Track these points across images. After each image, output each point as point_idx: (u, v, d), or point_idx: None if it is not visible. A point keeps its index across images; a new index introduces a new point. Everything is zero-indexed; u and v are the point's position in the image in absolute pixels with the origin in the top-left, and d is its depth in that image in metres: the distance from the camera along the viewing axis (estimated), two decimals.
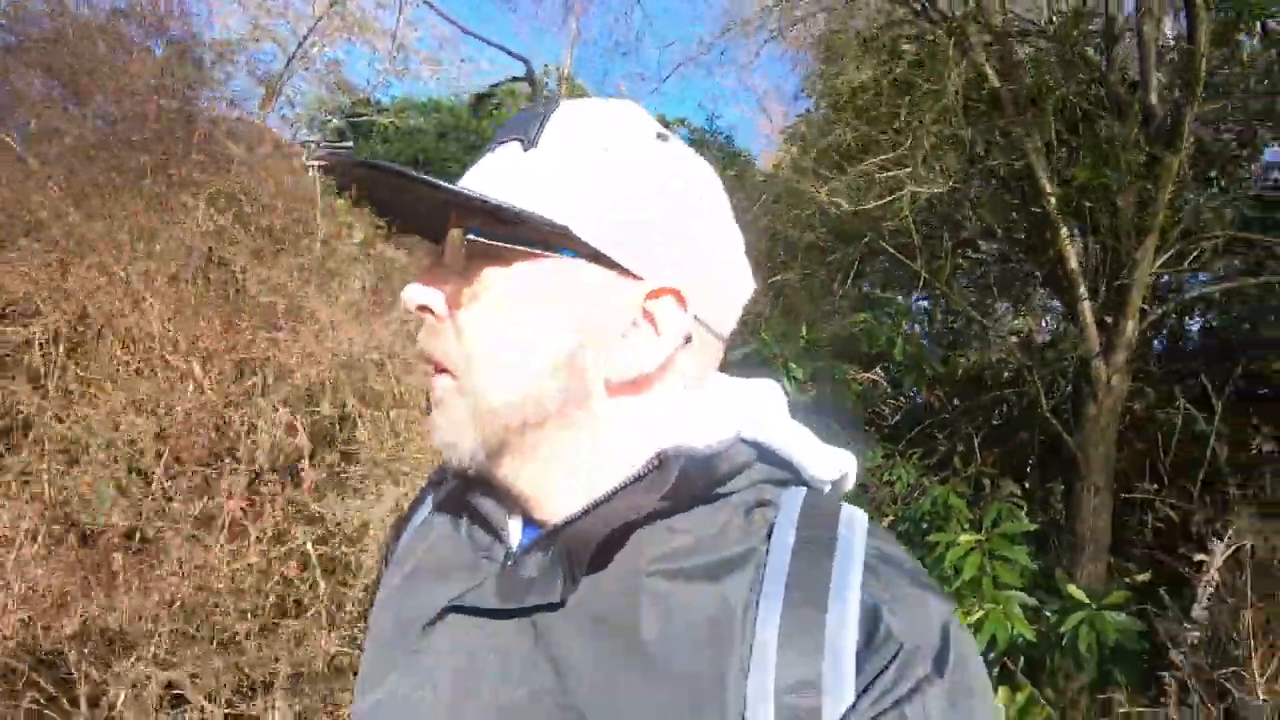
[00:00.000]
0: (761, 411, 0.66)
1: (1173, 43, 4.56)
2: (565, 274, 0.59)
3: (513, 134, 0.62)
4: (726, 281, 0.65)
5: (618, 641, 0.56)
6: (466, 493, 0.67)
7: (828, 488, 0.65)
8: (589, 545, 0.57)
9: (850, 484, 0.68)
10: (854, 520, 0.60)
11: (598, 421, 0.61)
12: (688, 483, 0.58)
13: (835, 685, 0.52)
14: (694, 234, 0.63)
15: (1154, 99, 4.21)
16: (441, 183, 0.57)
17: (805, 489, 0.63)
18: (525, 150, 0.61)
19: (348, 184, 0.62)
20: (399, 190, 0.60)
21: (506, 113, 9.66)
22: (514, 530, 0.64)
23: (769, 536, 0.58)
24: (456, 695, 0.60)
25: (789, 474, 0.64)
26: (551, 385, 0.60)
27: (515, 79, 11.63)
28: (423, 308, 0.62)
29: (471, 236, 0.58)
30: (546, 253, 0.59)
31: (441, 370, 0.62)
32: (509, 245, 0.59)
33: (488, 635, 0.60)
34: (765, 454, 0.63)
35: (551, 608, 0.58)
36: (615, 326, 0.60)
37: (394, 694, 0.63)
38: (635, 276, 0.60)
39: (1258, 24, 4.33)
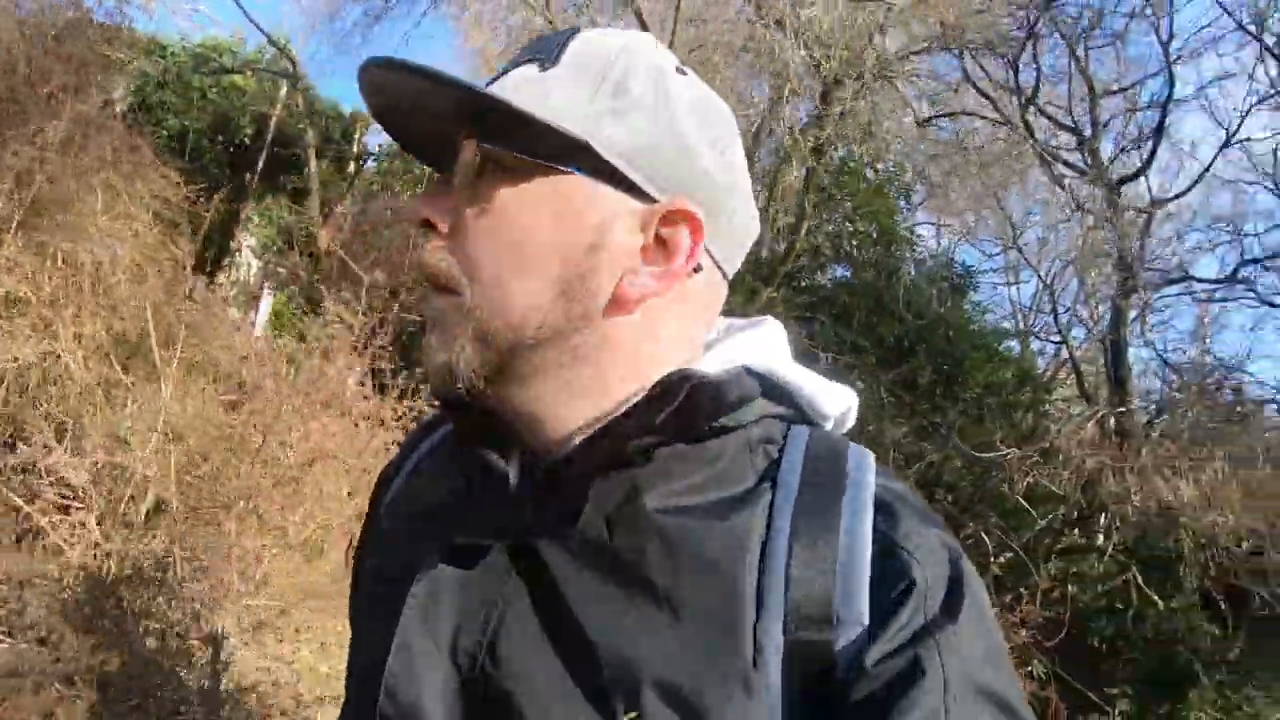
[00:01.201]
0: (766, 347, 0.65)
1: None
2: (579, 191, 0.58)
3: (530, 55, 0.61)
4: (738, 219, 0.64)
5: (624, 579, 0.55)
6: (462, 430, 0.65)
7: (830, 423, 0.65)
8: (593, 474, 0.56)
9: (851, 420, 0.68)
10: (862, 459, 0.59)
11: (603, 344, 0.59)
12: (694, 409, 0.56)
13: (848, 621, 0.52)
14: (710, 166, 0.62)
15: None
16: (467, 81, 0.56)
17: (810, 427, 0.62)
18: (543, 70, 0.59)
19: (364, 87, 0.59)
20: (415, 97, 0.58)
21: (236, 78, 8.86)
22: (513, 465, 0.61)
23: (776, 475, 0.58)
24: (455, 636, 0.58)
25: (793, 410, 0.63)
26: (558, 305, 0.58)
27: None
28: (426, 222, 0.61)
29: (486, 146, 0.57)
30: (562, 168, 0.57)
31: (441, 288, 0.60)
32: (525, 157, 0.57)
33: (490, 573, 0.58)
34: (771, 388, 0.62)
35: (556, 542, 0.57)
36: (627, 248, 0.59)
37: (404, 644, 0.60)
38: (651, 199, 0.59)
39: None
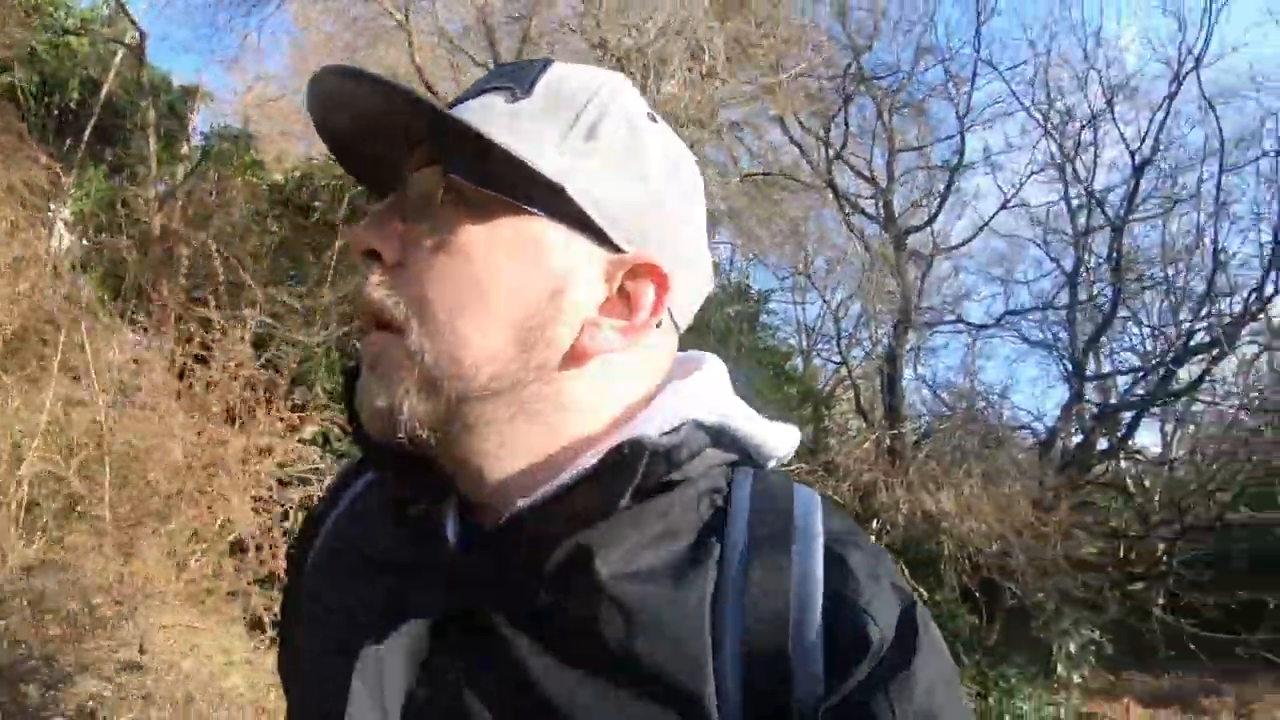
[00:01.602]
0: (713, 393, 0.62)
1: None
2: (546, 235, 0.56)
3: (496, 83, 0.59)
4: (697, 272, 0.63)
5: (580, 651, 0.53)
6: (393, 481, 0.61)
7: (774, 463, 0.64)
8: (548, 546, 0.54)
9: (791, 454, 0.66)
10: (809, 504, 0.58)
11: (557, 398, 0.57)
12: (648, 477, 0.54)
13: (803, 678, 0.51)
14: (676, 218, 0.61)
15: None
16: (440, 106, 0.54)
17: (755, 469, 0.62)
18: (513, 101, 0.57)
19: (314, 96, 0.56)
20: (373, 114, 0.56)
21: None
22: (451, 520, 0.57)
23: (725, 528, 0.56)
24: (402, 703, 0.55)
25: (740, 455, 0.62)
26: (514, 354, 0.55)
27: None
28: (371, 252, 0.57)
29: (455, 176, 0.55)
30: (530, 209, 0.55)
31: (384, 325, 0.56)
32: (492, 193, 0.55)
33: (440, 643, 0.56)
34: (719, 437, 0.59)
35: (504, 610, 0.55)
36: (589, 299, 0.57)
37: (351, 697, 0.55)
38: (617, 249, 0.57)
39: None
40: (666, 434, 0.55)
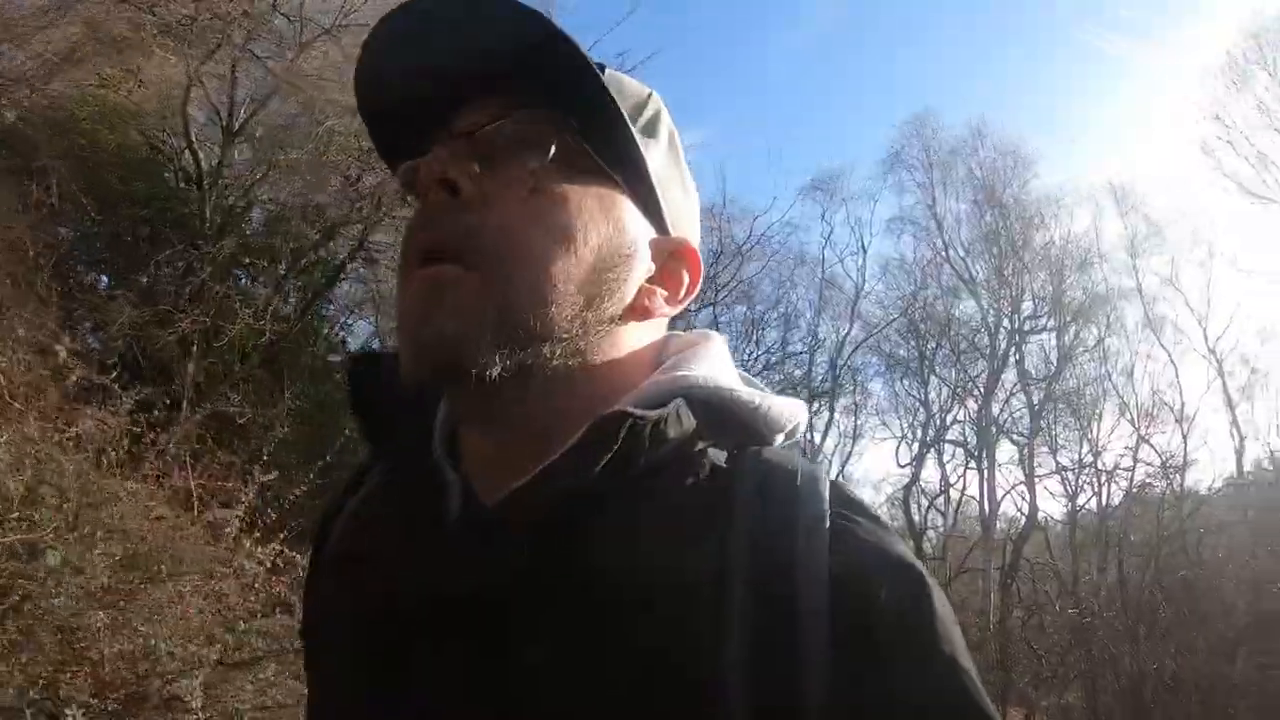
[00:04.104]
0: (712, 368, 0.62)
1: None
2: (621, 203, 0.61)
3: None
4: (701, 265, 0.67)
5: (578, 636, 0.52)
6: (404, 467, 0.63)
7: (780, 438, 0.64)
8: (532, 523, 0.54)
9: (801, 431, 0.66)
10: (813, 479, 0.57)
11: (610, 351, 0.60)
12: (632, 450, 0.54)
13: (812, 655, 0.49)
14: (697, 221, 0.70)
15: None
16: (596, 61, 0.57)
17: (759, 448, 0.60)
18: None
19: (410, 16, 0.57)
20: (486, 45, 0.56)
21: None
22: (455, 491, 0.59)
23: (728, 508, 0.55)
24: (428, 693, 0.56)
25: (742, 432, 0.61)
26: (583, 302, 0.57)
27: None
28: (446, 181, 0.57)
29: (569, 133, 0.58)
30: (616, 177, 0.60)
31: (451, 257, 0.56)
32: (594, 155, 0.59)
33: (446, 635, 0.55)
34: (717, 412, 0.59)
35: (504, 587, 0.54)
36: (643, 269, 0.62)
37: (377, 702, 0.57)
38: (665, 231, 0.64)
39: None
40: (655, 409, 0.56)
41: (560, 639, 0.52)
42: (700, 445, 0.58)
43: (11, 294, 5.19)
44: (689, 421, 0.57)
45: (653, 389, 0.59)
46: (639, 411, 0.54)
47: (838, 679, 0.49)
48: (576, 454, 0.54)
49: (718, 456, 0.59)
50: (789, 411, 0.64)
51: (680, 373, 0.60)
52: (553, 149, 0.57)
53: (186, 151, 8.51)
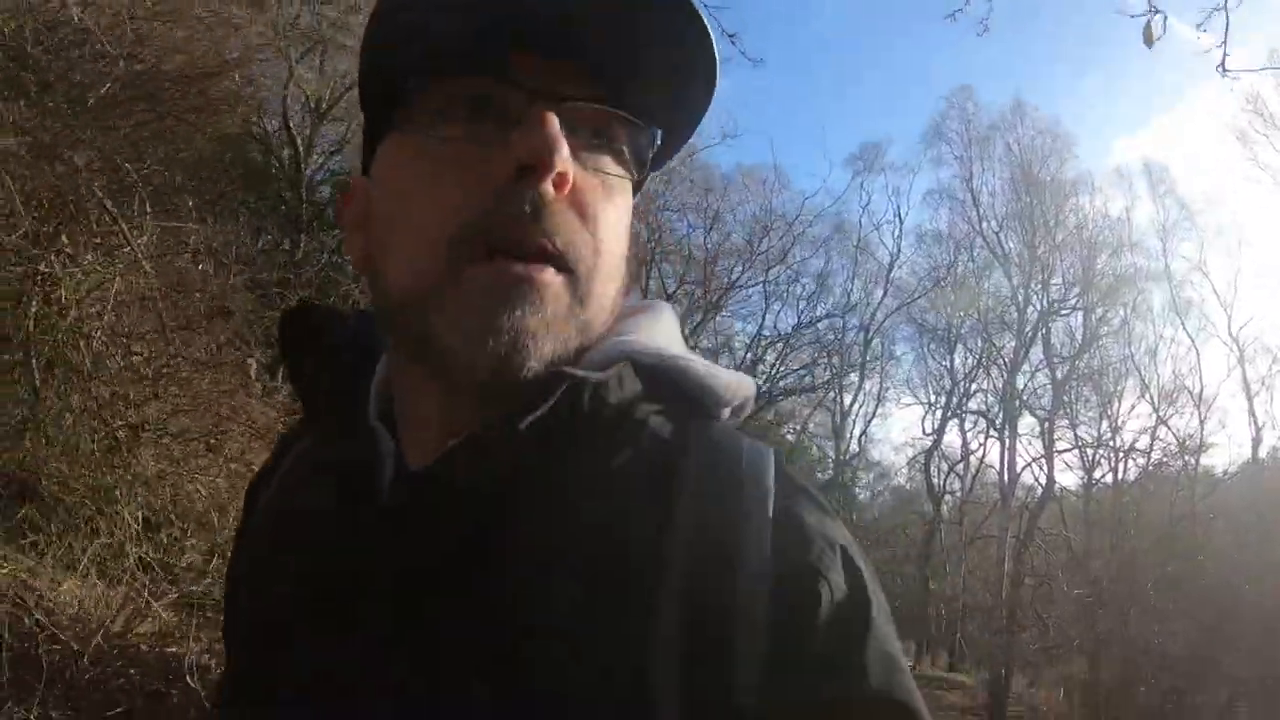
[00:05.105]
0: (657, 336, 0.60)
1: None
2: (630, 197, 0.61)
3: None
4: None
5: (501, 616, 0.50)
6: (336, 441, 0.60)
7: (727, 413, 0.62)
8: (462, 491, 0.53)
9: (748, 409, 0.64)
10: (758, 460, 0.56)
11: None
12: (569, 412, 0.52)
13: (748, 633, 0.49)
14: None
15: None
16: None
17: (706, 422, 0.59)
18: None
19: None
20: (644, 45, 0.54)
21: None
22: (388, 463, 0.56)
23: (670, 482, 0.53)
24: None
25: (688, 404, 0.59)
26: (616, 303, 0.59)
27: None
28: (564, 178, 0.52)
29: (645, 139, 0.57)
30: (637, 180, 0.60)
31: (549, 261, 0.53)
32: (644, 159, 0.58)
33: (363, 602, 0.54)
34: (662, 381, 0.57)
35: (431, 554, 0.53)
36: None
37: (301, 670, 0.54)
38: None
39: None
40: (599, 372, 0.54)
41: (482, 610, 0.51)
42: (644, 411, 0.56)
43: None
44: (632, 386, 0.55)
45: (598, 354, 0.56)
46: (580, 372, 0.52)
47: (771, 672, 0.48)
48: (509, 414, 0.51)
49: (663, 428, 0.57)
50: (736, 385, 0.61)
51: (626, 337, 0.57)
52: (625, 152, 0.56)
53: (283, 143, 9.03)
